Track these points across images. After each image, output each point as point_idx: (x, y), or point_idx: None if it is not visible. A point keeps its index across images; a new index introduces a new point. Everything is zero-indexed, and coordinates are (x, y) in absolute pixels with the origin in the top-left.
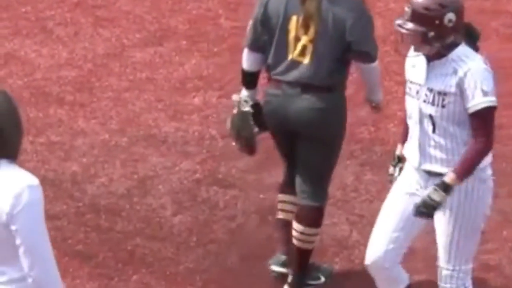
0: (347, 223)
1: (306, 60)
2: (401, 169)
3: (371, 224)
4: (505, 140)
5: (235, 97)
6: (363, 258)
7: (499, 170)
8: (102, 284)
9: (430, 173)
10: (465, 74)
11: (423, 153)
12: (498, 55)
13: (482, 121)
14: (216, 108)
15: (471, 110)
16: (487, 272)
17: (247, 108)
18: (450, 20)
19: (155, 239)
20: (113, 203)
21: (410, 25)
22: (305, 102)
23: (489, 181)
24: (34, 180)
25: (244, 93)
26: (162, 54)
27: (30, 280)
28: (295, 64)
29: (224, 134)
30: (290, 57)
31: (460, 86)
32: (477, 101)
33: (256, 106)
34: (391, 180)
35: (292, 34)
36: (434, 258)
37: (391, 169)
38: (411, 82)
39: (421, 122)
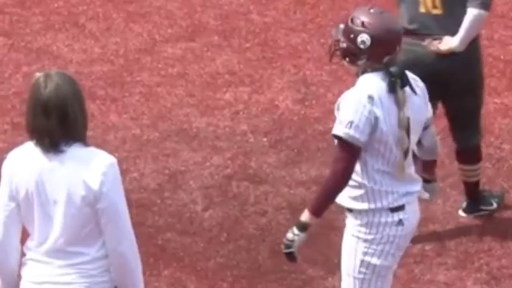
0: None
1: (439, 11)
2: None
3: None
4: None
5: None
6: None
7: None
8: None
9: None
10: (342, 99)
11: None
12: None
13: (335, 149)
14: (247, 103)
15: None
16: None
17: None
18: (363, 42)
19: (185, 234)
20: (144, 198)
21: (335, 30)
22: (452, 53)
23: (362, 234)
24: (113, 158)
25: None
26: (194, 50)
27: (115, 256)
28: (428, 16)
29: (254, 130)
30: (422, 10)
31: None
32: (334, 126)
33: None
34: None
35: None
36: (466, 254)
37: None
38: None
39: None
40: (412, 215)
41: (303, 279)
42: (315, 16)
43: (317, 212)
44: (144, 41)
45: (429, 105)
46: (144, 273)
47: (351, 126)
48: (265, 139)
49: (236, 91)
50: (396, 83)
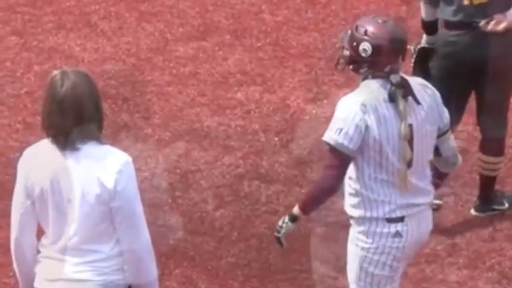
0: None
1: (483, 0)
2: None
3: None
4: None
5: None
6: None
7: None
8: None
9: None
10: (338, 105)
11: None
12: None
13: (326, 154)
14: (258, 103)
15: None
16: None
17: (411, 46)
18: (364, 50)
19: (197, 234)
20: (156, 197)
21: (341, 36)
22: (493, 40)
23: (360, 242)
24: (128, 157)
25: (424, 37)
26: (206, 49)
27: (130, 254)
28: (472, 7)
29: (266, 129)
30: (466, 2)
31: None
32: (326, 132)
33: (429, 50)
34: None
35: None
36: (477, 253)
37: None
38: None
39: None
40: (414, 227)
41: (314, 278)
42: (326, 15)
43: (304, 210)
44: (156, 40)
45: (445, 112)
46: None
47: (340, 133)
48: (276, 139)
49: (248, 90)
50: (397, 93)
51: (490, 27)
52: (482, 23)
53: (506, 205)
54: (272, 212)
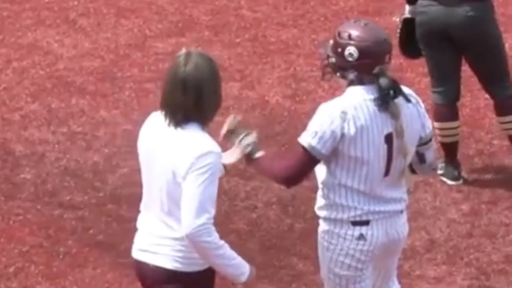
0: None
1: None
2: None
3: None
4: None
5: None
6: None
7: None
8: (123, 273)
9: None
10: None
11: None
12: None
13: (294, 152)
14: (237, 99)
15: None
16: (508, 263)
17: (396, 18)
18: (350, 54)
19: None
20: (135, 193)
21: (323, 47)
22: (464, 11)
23: (326, 242)
24: (217, 148)
25: (406, 7)
26: (184, 45)
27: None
28: None
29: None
30: None
31: None
32: (303, 133)
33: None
34: None
35: None
36: (455, 249)
37: None
38: None
39: None
40: (380, 232)
41: (294, 274)
42: (306, 11)
43: (257, 167)
44: (135, 36)
45: (428, 122)
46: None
47: (314, 136)
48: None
49: (226, 86)
50: (388, 95)
51: None
52: None
53: None
54: (251, 208)
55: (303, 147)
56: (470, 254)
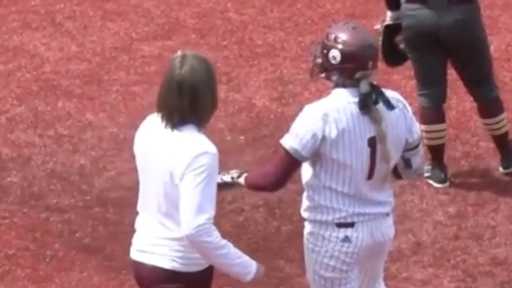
0: None
1: None
2: None
3: None
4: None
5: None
6: None
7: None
8: (109, 277)
9: None
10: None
11: None
12: (509, 49)
13: (277, 155)
14: (224, 102)
15: None
16: (495, 266)
17: (377, 26)
18: (334, 57)
19: None
20: (121, 196)
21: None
22: (453, 14)
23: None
24: (213, 148)
25: (388, 13)
26: (171, 48)
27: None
28: None
29: (231, 128)
30: None
31: None
32: (285, 135)
33: (397, 26)
34: None
35: None
36: (442, 251)
37: None
38: None
39: None
40: (365, 234)
41: (281, 277)
42: (292, 14)
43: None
44: (121, 39)
45: (415, 126)
46: (121, 272)
47: (295, 138)
48: (242, 137)
49: None
50: (368, 101)
51: None
52: None
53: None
54: (237, 211)
55: (285, 149)
56: (456, 256)
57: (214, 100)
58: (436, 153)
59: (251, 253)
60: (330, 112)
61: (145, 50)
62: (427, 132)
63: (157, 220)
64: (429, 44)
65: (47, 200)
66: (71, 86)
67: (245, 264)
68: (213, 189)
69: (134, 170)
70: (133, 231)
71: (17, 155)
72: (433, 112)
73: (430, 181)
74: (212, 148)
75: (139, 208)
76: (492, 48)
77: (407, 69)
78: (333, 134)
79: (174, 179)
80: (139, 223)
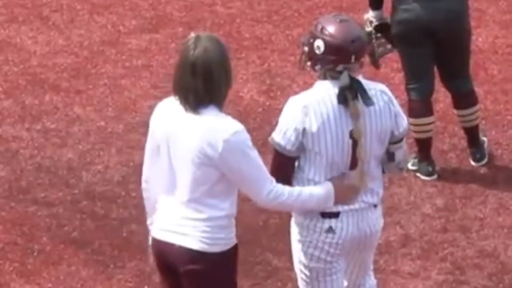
0: None
1: None
2: None
3: None
4: (500, 126)
5: (366, 16)
6: None
7: (496, 156)
8: (97, 271)
9: None
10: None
11: None
12: (496, 41)
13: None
14: None
15: None
16: (483, 258)
17: (369, 29)
18: (318, 47)
19: None
20: (109, 190)
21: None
22: (446, 5)
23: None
24: (240, 126)
25: (371, 13)
26: (158, 41)
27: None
28: None
29: None
30: None
31: None
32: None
33: (384, 25)
34: None
35: None
36: (430, 244)
37: None
38: None
39: None
40: (350, 225)
41: (269, 270)
42: (280, 7)
43: None
44: (109, 32)
45: (403, 120)
46: (108, 266)
47: (280, 134)
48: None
49: None
50: (347, 94)
51: None
52: None
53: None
54: None
55: (274, 146)
56: (444, 249)
57: (228, 80)
58: (424, 146)
59: (240, 246)
60: (310, 104)
61: (133, 43)
62: (415, 125)
63: (185, 202)
64: (421, 37)
65: (35, 194)
66: (59, 80)
67: (324, 197)
68: (258, 157)
69: (122, 164)
70: (120, 224)
71: (4, 149)
72: (421, 105)
73: (418, 174)
74: (239, 126)
75: (164, 190)
76: (480, 40)
77: (395, 61)
78: (314, 126)
79: (205, 161)
80: (163, 204)
